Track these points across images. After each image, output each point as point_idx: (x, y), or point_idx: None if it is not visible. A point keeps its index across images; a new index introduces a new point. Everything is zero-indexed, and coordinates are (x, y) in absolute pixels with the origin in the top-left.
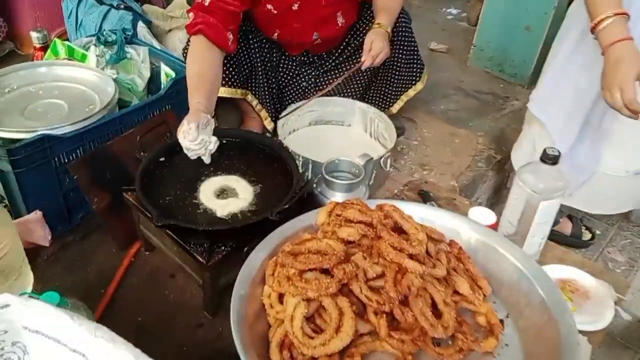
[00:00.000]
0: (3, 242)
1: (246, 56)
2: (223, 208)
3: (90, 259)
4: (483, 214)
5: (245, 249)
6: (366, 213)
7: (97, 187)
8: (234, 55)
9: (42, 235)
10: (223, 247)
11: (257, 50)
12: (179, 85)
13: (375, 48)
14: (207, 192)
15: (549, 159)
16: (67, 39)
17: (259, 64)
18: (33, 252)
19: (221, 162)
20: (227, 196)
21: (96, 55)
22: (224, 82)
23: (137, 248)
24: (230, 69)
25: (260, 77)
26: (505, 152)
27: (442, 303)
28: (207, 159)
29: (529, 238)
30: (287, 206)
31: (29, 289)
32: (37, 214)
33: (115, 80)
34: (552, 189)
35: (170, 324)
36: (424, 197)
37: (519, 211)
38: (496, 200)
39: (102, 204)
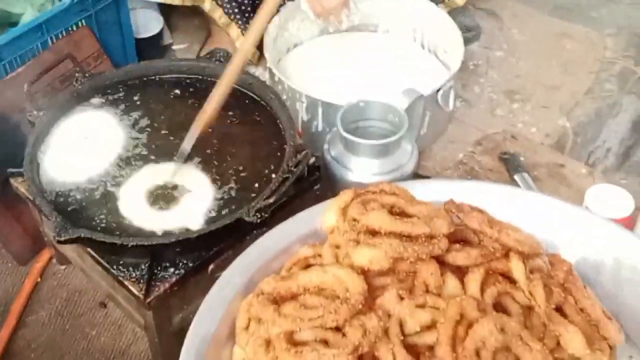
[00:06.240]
0: None
1: None
2: (163, 226)
3: None
4: (612, 197)
5: (212, 267)
6: (406, 211)
7: None
8: None
9: None
10: (173, 270)
11: None
12: None
13: None
14: (136, 197)
15: None
16: None
17: None
18: None
19: (161, 127)
20: (169, 202)
21: None
22: None
23: (46, 261)
24: None
25: None
26: None
27: None
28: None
29: None
30: (272, 200)
31: None
32: None
33: None
34: None
35: None
36: (510, 164)
37: None
38: (636, 142)
39: None
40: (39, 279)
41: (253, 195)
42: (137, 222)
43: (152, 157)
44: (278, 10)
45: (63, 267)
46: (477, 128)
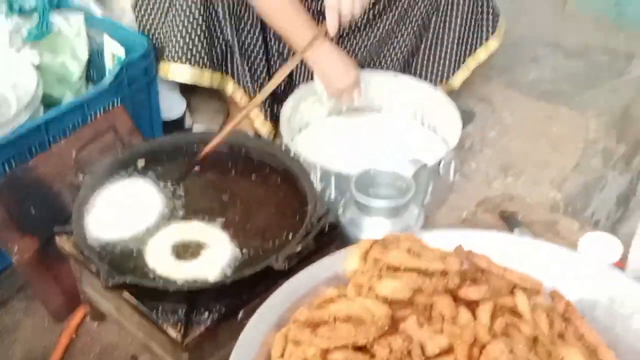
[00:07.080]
0: None
1: (214, 21)
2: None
3: (13, 337)
4: (602, 245)
5: (240, 314)
6: (421, 255)
7: (16, 230)
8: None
9: None
10: (207, 315)
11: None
12: (133, 69)
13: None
14: (162, 250)
15: None
16: None
17: (235, 33)
18: None
19: (188, 190)
20: (192, 256)
21: (8, 31)
22: (185, 57)
23: (81, 318)
24: (194, 37)
25: (237, 52)
26: (632, 141)
27: None
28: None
29: None
30: (299, 249)
31: None
32: None
33: (37, 67)
34: None
35: None
36: (509, 221)
37: None
38: (621, 216)
39: (26, 255)
40: (74, 335)
41: (270, 254)
42: (160, 272)
43: (179, 216)
44: (293, 91)
45: (96, 323)
46: (476, 198)
